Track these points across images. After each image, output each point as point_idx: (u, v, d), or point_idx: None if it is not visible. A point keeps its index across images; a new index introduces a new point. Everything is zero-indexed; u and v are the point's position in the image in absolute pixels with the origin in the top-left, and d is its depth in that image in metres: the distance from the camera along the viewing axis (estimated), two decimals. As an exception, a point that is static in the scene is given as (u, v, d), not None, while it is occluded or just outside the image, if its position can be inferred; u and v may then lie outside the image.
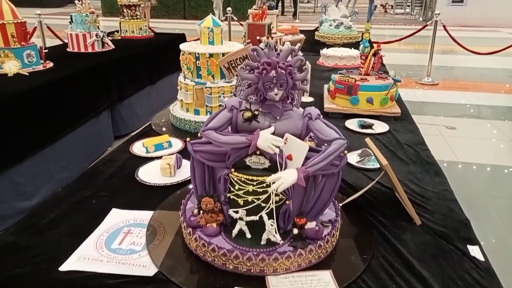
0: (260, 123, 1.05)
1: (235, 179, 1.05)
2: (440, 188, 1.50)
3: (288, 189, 1.03)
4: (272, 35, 3.34)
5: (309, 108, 1.06)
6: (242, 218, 1.06)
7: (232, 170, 1.05)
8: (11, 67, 3.07)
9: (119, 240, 1.18)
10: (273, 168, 1.04)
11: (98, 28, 4.22)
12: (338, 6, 4.49)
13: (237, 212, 1.06)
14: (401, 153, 1.80)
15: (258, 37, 2.74)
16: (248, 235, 1.07)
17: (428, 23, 6.32)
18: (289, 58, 1.04)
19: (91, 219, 1.30)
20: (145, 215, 1.30)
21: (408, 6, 16.33)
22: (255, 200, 1.05)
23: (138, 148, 1.80)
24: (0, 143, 2.61)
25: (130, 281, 1.02)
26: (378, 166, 1.61)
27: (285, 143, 1.03)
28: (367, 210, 1.35)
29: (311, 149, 1.04)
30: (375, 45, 2.54)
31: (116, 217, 1.30)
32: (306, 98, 2.56)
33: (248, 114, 1.03)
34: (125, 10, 4.98)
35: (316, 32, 4.31)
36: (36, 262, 1.09)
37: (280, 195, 1.05)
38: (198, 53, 1.92)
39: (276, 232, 1.04)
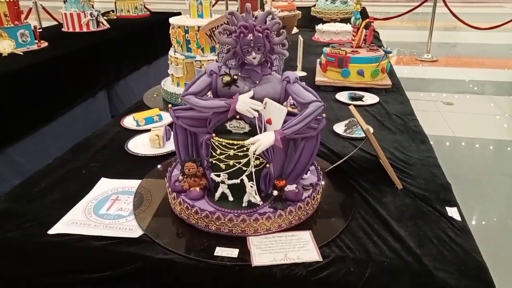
0: (239, 88, 1.06)
1: (216, 143, 1.07)
2: (424, 155, 1.52)
3: (268, 152, 1.05)
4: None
5: (287, 72, 1.08)
6: (224, 182, 1.08)
7: (213, 135, 1.08)
8: (5, 46, 3.07)
9: (107, 207, 1.22)
10: (253, 132, 1.06)
11: (93, 7, 4.20)
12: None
13: (219, 175, 1.09)
14: (389, 123, 1.81)
15: (250, 12, 2.72)
16: (230, 198, 1.10)
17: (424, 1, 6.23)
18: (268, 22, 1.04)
19: (81, 188, 1.33)
20: (133, 183, 1.33)
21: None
22: (236, 164, 1.07)
23: (129, 121, 1.82)
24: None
25: (115, 242, 1.06)
26: (364, 135, 1.63)
27: (264, 107, 1.05)
28: (351, 176, 1.38)
29: (289, 113, 1.06)
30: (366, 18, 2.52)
31: (105, 185, 1.33)
32: (299, 73, 2.56)
33: (227, 78, 1.05)
34: (121, -11, 4.93)
35: (312, 8, 4.26)
36: (26, 227, 1.13)
37: (261, 159, 1.07)
38: (187, 26, 1.92)
39: (256, 194, 1.07)
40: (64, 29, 4.12)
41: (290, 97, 1.11)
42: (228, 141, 1.06)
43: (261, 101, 1.05)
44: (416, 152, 1.55)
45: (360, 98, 2.05)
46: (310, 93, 1.05)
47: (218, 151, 1.08)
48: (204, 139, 1.08)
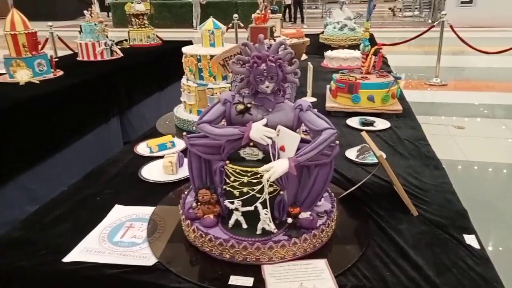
0: (253, 116, 1.08)
1: (230, 170, 1.08)
2: (438, 181, 1.51)
3: (281, 180, 1.06)
4: (275, 38, 3.38)
5: (300, 100, 1.09)
6: (237, 209, 1.08)
7: (227, 162, 1.08)
8: (23, 75, 3.17)
9: (121, 234, 1.22)
10: (266, 159, 1.07)
11: (107, 37, 4.32)
12: (343, 8, 4.51)
13: (232, 203, 1.09)
14: (401, 149, 1.81)
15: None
16: (244, 225, 1.10)
17: (434, 24, 6.30)
18: (280, 52, 1.07)
19: (95, 215, 1.34)
20: (147, 210, 1.34)
21: (417, 8, 16.29)
22: (250, 191, 1.07)
23: (142, 148, 1.84)
24: (12, 150, 2.69)
25: (130, 270, 1.05)
26: (377, 160, 1.62)
27: (277, 135, 1.06)
28: (365, 202, 1.37)
29: (303, 140, 1.07)
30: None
31: (119, 212, 1.34)
32: (309, 99, 2.58)
33: (240, 106, 1.07)
34: (133, 19, 5.09)
35: (320, 35, 4.33)
36: (41, 255, 1.13)
37: (274, 186, 1.08)
38: (199, 55, 1.97)
39: (270, 221, 1.06)
40: (79, 58, 4.23)
41: (302, 124, 1.13)
42: (242, 168, 1.07)
43: (274, 128, 1.07)
44: (430, 178, 1.54)
45: (371, 124, 2.05)
46: (323, 120, 1.06)
47: (232, 178, 1.08)
48: (218, 166, 1.09)
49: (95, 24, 4.11)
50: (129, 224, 1.27)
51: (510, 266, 2.21)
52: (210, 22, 2.05)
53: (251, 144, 1.06)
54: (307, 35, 4.81)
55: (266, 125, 1.06)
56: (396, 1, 20.64)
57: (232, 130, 1.05)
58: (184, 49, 2.05)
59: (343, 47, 4.01)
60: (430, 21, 14.38)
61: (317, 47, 4.41)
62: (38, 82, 3.19)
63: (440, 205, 1.34)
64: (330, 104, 2.28)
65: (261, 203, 1.06)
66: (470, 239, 1.15)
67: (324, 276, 1.02)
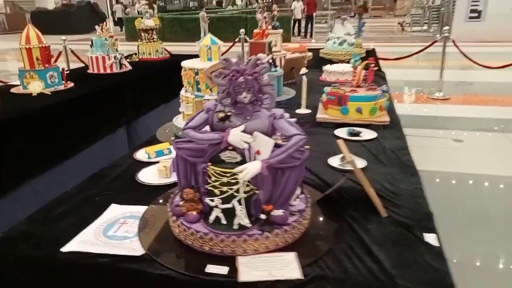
0: (232, 123, 1.21)
1: (212, 171, 1.21)
2: (412, 187, 1.61)
3: (257, 181, 1.18)
4: (275, 53, 3.53)
5: (275, 109, 1.22)
6: (217, 206, 1.21)
7: (209, 164, 1.21)
8: (35, 87, 3.36)
9: (115, 229, 1.35)
10: (244, 162, 1.19)
11: (117, 50, 4.54)
12: (344, 24, 4.67)
13: (213, 200, 1.21)
14: (383, 158, 1.92)
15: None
16: (224, 221, 1.22)
17: (437, 39, 6.42)
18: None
19: (94, 213, 1.47)
20: (140, 209, 1.47)
21: (425, 23, 16.40)
22: (229, 190, 1.20)
23: (141, 154, 1.99)
24: (24, 156, 2.87)
25: (120, 260, 1.18)
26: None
27: (254, 140, 1.19)
28: (340, 205, 1.48)
29: (277, 145, 1.19)
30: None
31: (115, 210, 1.48)
32: (303, 110, 2.72)
33: (221, 114, 1.20)
34: (142, 34, 5.31)
35: (321, 50, 4.48)
36: (43, 246, 1.27)
37: (251, 186, 1.20)
38: (197, 69, 2.12)
39: (245, 217, 1.19)
40: (90, 71, 4.44)
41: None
42: (222, 170, 1.19)
43: (252, 134, 1.19)
44: (405, 184, 1.65)
45: (358, 134, 2.17)
46: (293, 127, 1.18)
47: (213, 179, 1.21)
48: (201, 167, 1.22)
49: (106, 38, 4.32)
50: (123, 221, 1.40)
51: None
52: (207, 38, 2.20)
53: (230, 148, 1.19)
54: (311, 50, 4.97)
55: (244, 131, 1.19)
56: (405, 16, 20.82)
57: (213, 135, 1.19)
58: (183, 63, 2.20)
59: (343, 61, 4.14)
60: (438, 35, 14.48)
61: (318, 61, 4.55)
62: (49, 93, 3.38)
63: (409, 208, 1.45)
64: (321, 115, 2.41)
65: (237, 201, 1.19)
66: (430, 238, 1.25)
67: (292, 267, 1.13)
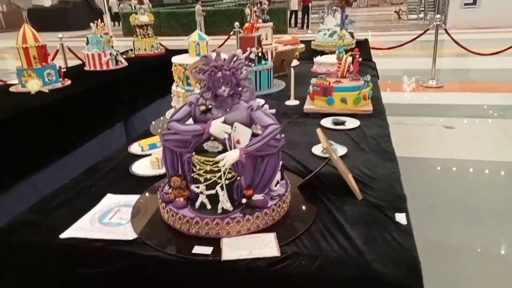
0: (213, 115, 1.31)
1: (196, 161, 1.31)
2: (388, 171, 1.71)
3: (238, 167, 1.28)
4: (266, 46, 3.62)
5: (252, 101, 1.32)
6: (202, 192, 1.31)
7: (193, 153, 1.31)
8: (33, 85, 3.45)
9: (109, 216, 1.46)
10: (225, 151, 1.29)
11: (112, 47, 4.61)
12: (334, 15, 4.73)
13: (198, 187, 1.31)
14: (364, 145, 2.01)
15: (248, 48, 3.02)
16: (208, 206, 1.33)
17: (429, 28, 6.48)
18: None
19: (90, 202, 1.58)
20: (134, 198, 1.57)
21: (422, 11, 16.37)
22: (213, 177, 1.30)
23: (135, 147, 2.09)
24: (24, 152, 2.97)
25: (113, 243, 1.29)
26: (339, 155, 1.84)
27: (234, 130, 1.28)
28: (320, 190, 1.58)
29: (255, 135, 1.29)
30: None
31: (110, 200, 1.58)
32: (292, 102, 2.81)
33: (202, 107, 1.30)
34: (137, 30, 5.38)
35: (312, 42, 4.55)
36: (43, 233, 1.38)
37: (233, 173, 1.30)
38: (186, 64, 2.21)
39: (227, 201, 1.29)
40: (87, 68, 4.53)
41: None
42: (205, 159, 1.29)
43: (231, 125, 1.29)
44: (382, 168, 1.75)
45: (342, 123, 2.26)
46: (269, 117, 1.28)
47: (198, 167, 1.31)
48: (186, 157, 1.32)
49: (101, 35, 4.40)
50: (117, 209, 1.51)
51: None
52: (195, 34, 2.29)
53: (212, 138, 1.29)
54: (305, 41, 5.05)
55: (224, 122, 1.29)
56: (402, 4, 20.76)
57: (196, 127, 1.29)
58: (173, 59, 2.29)
59: (333, 53, 4.22)
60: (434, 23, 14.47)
61: (311, 53, 4.62)
62: (47, 91, 3.47)
63: (384, 191, 1.55)
64: (308, 106, 2.50)
65: (220, 187, 1.29)
66: (400, 217, 1.36)
67: (271, 246, 1.24)
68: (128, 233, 1.34)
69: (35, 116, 3.12)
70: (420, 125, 4.80)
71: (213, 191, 1.30)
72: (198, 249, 1.23)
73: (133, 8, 7.74)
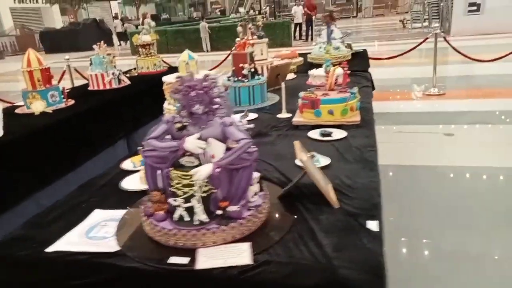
0: (189, 131, 1.38)
1: (174, 175, 1.38)
2: (368, 180, 1.76)
3: (214, 181, 1.35)
4: (261, 61, 3.72)
5: (226, 118, 1.39)
6: (180, 205, 1.38)
7: (171, 168, 1.38)
8: (38, 106, 3.59)
9: (96, 231, 1.53)
10: (201, 165, 1.36)
11: (115, 67, 4.76)
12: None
13: (176, 200, 1.38)
14: (348, 155, 2.06)
15: (240, 65, 3.11)
16: (187, 218, 1.39)
17: (429, 36, 6.52)
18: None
19: (81, 217, 1.65)
20: (120, 213, 1.65)
21: (426, 19, 16.39)
22: (190, 191, 1.37)
23: (127, 164, 2.17)
24: (29, 171, 3.09)
25: (97, 255, 1.36)
26: (320, 165, 1.90)
27: (208, 146, 1.36)
28: (300, 200, 1.63)
29: (229, 149, 1.36)
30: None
31: (98, 215, 1.66)
32: (284, 114, 2.88)
33: (178, 125, 1.38)
34: (140, 49, 5.54)
35: (308, 55, 4.64)
36: (34, 247, 1.46)
37: (209, 186, 1.37)
38: (176, 83, 2.30)
39: (203, 213, 1.35)
40: (90, 87, 4.67)
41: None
42: (181, 173, 1.36)
43: (206, 140, 1.36)
44: (362, 178, 1.79)
45: (329, 134, 2.32)
46: (241, 132, 1.35)
47: (175, 181, 1.38)
48: (165, 172, 1.39)
49: (103, 56, 4.55)
50: (104, 223, 1.58)
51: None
52: (185, 54, 2.39)
53: (188, 153, 1.37)
54: (301, 55, 5.13)
55: (200, 138, 1.36)
56: (406, 13, 20.83)
57: (171, 143, 1.36)
58: (164, 78, 2.40)
59: (339, 64, 4.29)
60: (438, 31, 14.47)
61: (308, 65, 4.71)
62: (51, 111, 3.61)
63: (361, 199, 1.59)
64: (297, 118, 2.57)
65: (196, 199, 1.36)
66: (371, 224, 1.40)
67: (244, 255, 1.29)
68: (112, 246, 1.41)
69: (38, 135, 3.24)
70: (421, 133, 4.81)
71: (190, 204, 1.37)
72: (174, 259, 1.29)
73: (137, 28, 8.00)
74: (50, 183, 3.27)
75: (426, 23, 16.37)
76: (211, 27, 15.52)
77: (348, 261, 1.22)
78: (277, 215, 1.53)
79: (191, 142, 1.33)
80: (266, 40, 3.97)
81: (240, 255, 1.30)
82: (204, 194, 1.37)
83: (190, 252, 1.33)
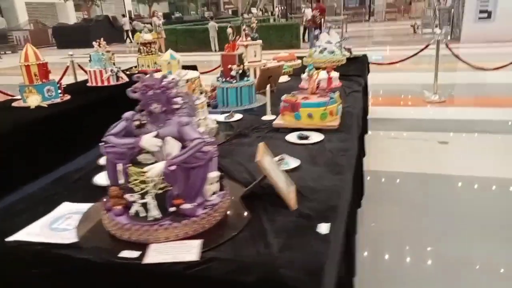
0: (148, 129, 1.42)
1: (131, 172, 1.42)
2: (332, 184, 1.78)
3: (169, 178, 1.39)
4: (254, 63, 3.75)
5: (183, 118, 1.43)
6: (136, 201, 1.42)
7: (129, 165, 1.43)
8: (33, 100, 3.68)
9: (59, 223, 1.58)
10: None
11: (114, 64, 4.84)
12: (329, 32, 4.83)
13: (132, 196, 1.42)
14: (320, 159, 2.08)
15: (229, 66, 3.15)
16: (143, 214, 1.43)
17: (430, 43, 6.48)
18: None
19: (48, 209, 1.70)
20: (87, 206, 1.69)
21: (437, 25, 16.23)
22: (146, 187, 1.41)
23: (104, 159, 2.21)
24: (20, 163, 3.17)
25: (53, 246, 1.40)
26: (289, 168, 1.93)
27: (165, 144, 1.39)
28: (261, 200, 1.66)
29: (184, 147, 1.40)
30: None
31: (65, 208, 1.70)
32: (268, 117, 2.90)
33: (136, 123, 1.42)
34: (141, 48, 5.61)
35: (304, 58, 4.66)
36: (2, 240, 1.51)
37: (165, 183, 1.41)
38: (157, 82, 2.34)
39: (157, 209, 1.39)
40: (89, 84, 4.76)
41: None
42: (138, 170, 1.41)
43: (163, 139, 1.40)
44: (328, 181, 1.81)
45: (306, 138, 2.34)
46: (195, 132, 1.39)
47: (133, 178, 1.42)
48: (123, 168, 1.44)
49: (102, 53, 4.63)
50: (69, 215, 1.63)
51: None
52: (167, 54, 2.43)
53: (145, 151, 1.41)
54: (300, 57, 5.15)
55: (157, 136, 1.40)
56: (418, 19, 20.68)
57: (128, 140, 1.40)
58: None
59: (324, 69, 4.30)
60: (449, 37, 14.35)
61: (304, 68, 4.73)
62: (46, 105, 3.69)
63: (319, 202, 1.62)
64: (277, 121, 2.60)
65: (151, 196, 1.40)
66: (323, 227, 1.43)
67: (193, 251, 1.33)
68: (70, 238, 1.46)
69: (31, 129, 3.32)
70: (417, 139, 4.80)
71: (145, 200, 1.41)
72: (125, 253, 1.33)
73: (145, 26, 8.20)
74: (40, 176, 3.34)
75: (437, 29, 16.22)
76: (220, 27, 15.60)
77: (290, 261, 1.25)
78: (234, 215, 1.56)
79: (147, 140, 1.38)
80: (260, 41, 4.00)
81: (189, 251, 1.33)
82: (160, 191, 1.41)
83: (143, 246, 1.37)
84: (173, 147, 1.39)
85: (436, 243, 2.81)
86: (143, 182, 1.41)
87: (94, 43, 4.73)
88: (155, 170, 1.34)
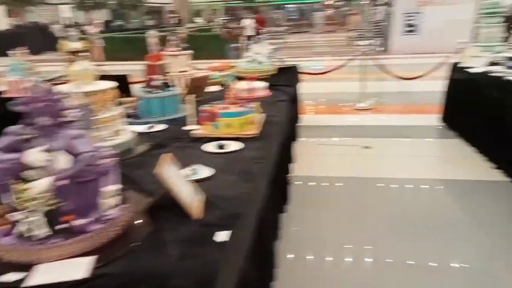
0: (36, 143, 1.36)
1: (14, 189, 1.34)
2: (242, 191, 1.80)
3: (60, 194, 1.32)
4: (183, 73, 3.73)
5: (73, 131, 1.38)
6: (19, 221, 1.34)
7: (13, 181, 1.34)
8: None
9: None
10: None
11: (36, 74, 4.57)
12: (260, 43, 4.94)
13: (16, 215, 1.34)
14: (235, 167, 2.09)
15: (150, 76, 3.11)
16: (31, 233, 1.35)
17: (356, 55, 6.83)
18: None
19: None
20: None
21: (370, 37, 17.16)
22: (29, 205, 1.33)
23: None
24: None
25: None
26: (201, 177, 1.92)
27: (53, 159, 1.33)
28: (167, 210, 1.63)
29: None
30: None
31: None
32: (190, 127, 2.89)
33: (23, 137, 1.35)
34: (69, 57, 5.36)
35: (232, 68, 4.71)
36: None
37: (56, 200, 1.34)
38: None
39: (46, 227, 1.32)
40: (4, 94, 4.44)
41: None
42: (20, 187, 1.33)
43: (54, 153, 1.34)
44: (238, 189, 1.83)
45: (223, 147, 2.36)
46: (83, 146, 1.34)
47: (19, 195, 1.34)
48: (7, 185, 1.35)
49: (20, 63, 4.37)
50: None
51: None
52: (80, 64, 2.34)
53: (31, 167, 1.34)
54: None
55: (48, 151, 1.34)
56: (354, 31, 21.77)
57: (11, 155, 1.33)
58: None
59: (254, 79, 4.38)
60: (382, 48, 15.22)
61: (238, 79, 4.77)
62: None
63: (224, 210, 1.62)
64: (196, 131, 2.59)
65: (38, 214, 1.32)
66: (221, 235, 1.43)
67: (84, 268, 1.27)
68: (-51, 262, 1.34)
69: None
70: (343, 145, 5.01)
71: (32, 218, 1.33)
72: (5, 277, 1.25)
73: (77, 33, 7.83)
74: None
75: (371, 41, 17.14)
76: (162, 36, 15.36)
77: (184, 270, 1.25)
78: (135, 227, 1.52)
79: (31, 155, 1.31)
80: (190, 52, 3.99)
81: (79, 268, 1.27)
82: (49, 208, 1.34)
83: (29, 268, 1.29)
84: (64, 161, 1.34)
85: (361, 245, 2.93)
86: (27, 199, 1.33)
87: (12, 51, 4.46)
88: (39, 186, 1.27)
